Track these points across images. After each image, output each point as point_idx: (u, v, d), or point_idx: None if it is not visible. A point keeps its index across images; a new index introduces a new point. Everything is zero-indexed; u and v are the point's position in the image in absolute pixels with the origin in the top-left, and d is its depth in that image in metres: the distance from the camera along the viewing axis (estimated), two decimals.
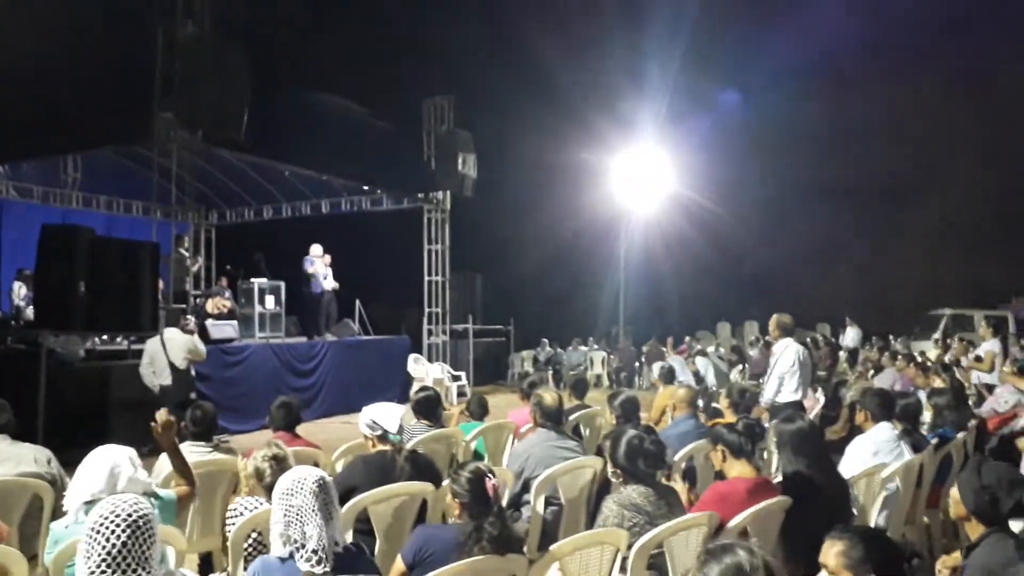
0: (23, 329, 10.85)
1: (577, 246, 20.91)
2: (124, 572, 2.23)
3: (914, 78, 23.00)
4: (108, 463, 3.17)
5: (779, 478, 4.20)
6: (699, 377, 11.80)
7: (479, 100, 16.87)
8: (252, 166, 14.48)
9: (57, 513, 4.13)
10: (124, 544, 2.24)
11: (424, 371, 14.63)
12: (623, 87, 20.70)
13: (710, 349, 16.51)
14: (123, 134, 10.10)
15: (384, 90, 15.61)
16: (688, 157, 20.76)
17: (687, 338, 19.25)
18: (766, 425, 5.29)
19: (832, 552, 2.45)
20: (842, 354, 17.92)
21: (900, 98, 23.06)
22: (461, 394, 14.80)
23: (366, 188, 15.44)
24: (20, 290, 12.29)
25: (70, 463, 4.38)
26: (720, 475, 4.02)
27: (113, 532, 2.24)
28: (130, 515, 2.28)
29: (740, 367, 13.83)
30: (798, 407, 6.64)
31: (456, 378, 15.36)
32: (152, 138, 9.74)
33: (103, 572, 2.21)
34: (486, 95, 17.51)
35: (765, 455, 5.56)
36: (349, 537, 3.76)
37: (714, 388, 9.68)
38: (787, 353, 6.77)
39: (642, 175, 20.37)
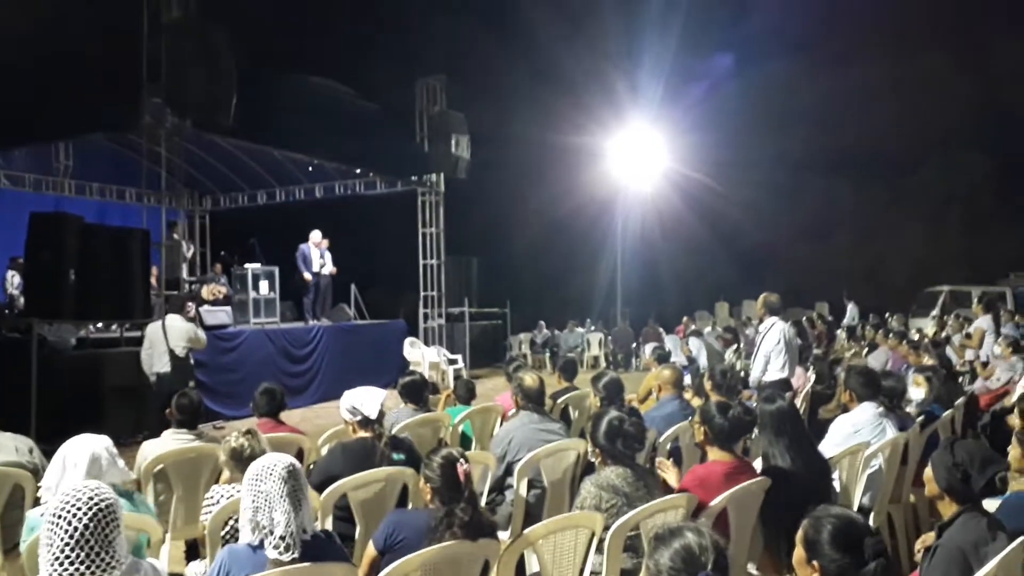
0: (15, 318, 10.85)
1: (573, 227, 20.84)
2: (88, 555, 2.22)
3: (913, 49, 22.83)
4: (88, 452, 3.17)
5: (759, 459, 4.19)
6: (691, 358, 11.76)
7: (472, 80, 16.78)
8: (244, 151, 14.42)
9: (39, 503, 4.15)
10: (86, 527, 2.23)
11: (420, 355, 14.63)
12: (618, 65, 20.59)
13: (707, 330, 16.47)
14: (111, 121, 10.01)
15: (375, 71, 15.55)
16: (684, 135, 20.64)
17: (684, 318, 19.23)
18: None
19: (799, 533, 2.44)
20: (841, 332, 17.90)
21: (898, 70, 22.90)
22: (458, 377, 14.79)
23: (359, 171, 15.36)
24: (13, 279, 12.27)
25: None
26: (703, 450, 4.02)
27: (75, 516, 2.23)
28: (91, 498, 2.27)
29: (735, 347, 13.79)
30: (785, 385, 6.65)
31: (452, 361, 15.37)
32: (140, 125, 9.67)
33: (67, 557, 2.21)
34: (479, 75, 17.43)
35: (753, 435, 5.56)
36: (329, 524, 3.78)
37: (706, 369, 9.66)
38: (772, 332, 6.77)
39: (638, 154, 20.24)
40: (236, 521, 3.45)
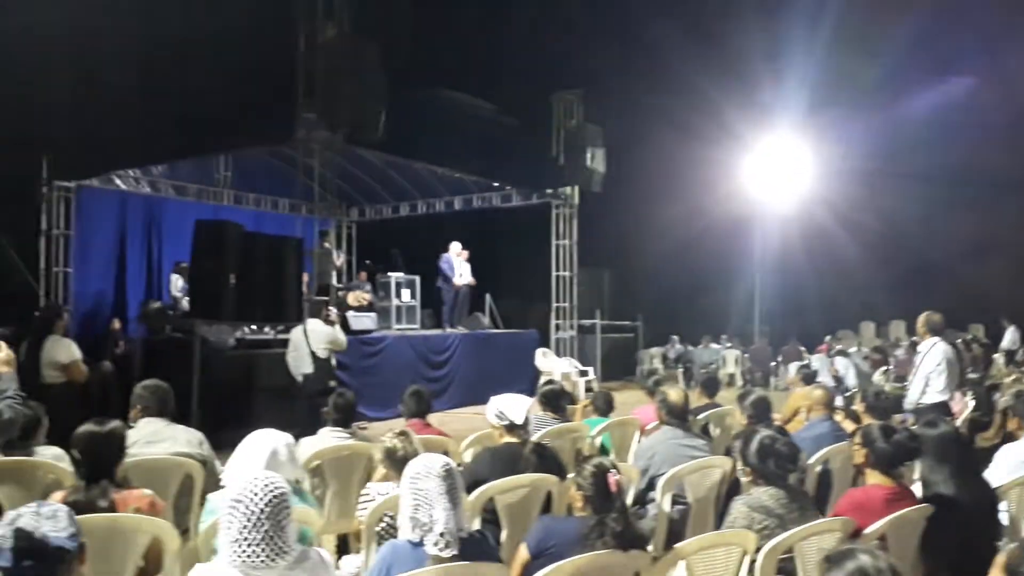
0: (180, 318, 11.65)
1: (708, 241, 20.30)
2: (263, 538, 2.37)
3: None
4: (270, 447, 3.36)
5: (919, 485, 3.98)
6: (838, 378, 11.27)
7: (608, 93, 16.71)
8: (389, 164, 14.96)
9: (207, 491, 4.44)
10: (262, 511, 2.39)
11: (552, 365, 14.71)
12: (761, 76, 19.89)
13: (852, 349, 15.76)
14: (269, 135, 10.64)
15: (513, 85, 15.73)
16: (832, 148, 19.79)
17: (827, 337, 18.48)
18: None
19: (996, 565, 2.27)
20: (998, 356, 16.73)
21: None
22: (589, 389, 14.77)
23: (495, 184, 15.65)
24: (177, 282, 13.16)
25: (219, 444, 4.70)
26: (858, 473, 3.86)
27: (252, 500, 2.40)
28: (266, 486, 2.44)
29: (884, 368, 13.14)
30: (943, 409, 6.30)
31: (584, 373, 15.37)
32: (295, 139, 10.22)
33: (244, 539, 2.37)
34: (616, 88, 17.34)
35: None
36: (477, 525, 3.87)
37: (855, 390, 9.24)
38: (934, 352, 6.43)
39: (780, 167, 19.64)
40: (391, 518, 3.60)
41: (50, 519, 2.13)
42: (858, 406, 5.65)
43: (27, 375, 6.55)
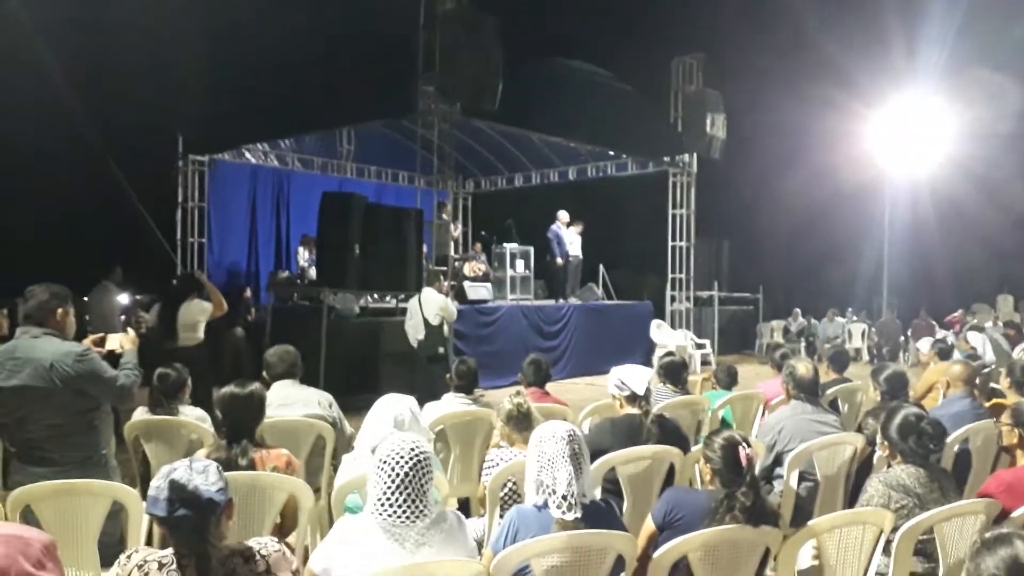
0: (307, 287, 12.13)
1: (833, 211, 19.43)
2: (406, 499, 2.48)
3: None
4: (394, 411, 3.47)
5: None
6: (973, 355, 10.59)
7: (730, 57, 16.15)
8: (503, 135, 15.01)
9: (337, 452, 4.61)
10: (407, 475, 2.49)
11: (666, 338, 14.52)
12: (893, 33, 18.74)
13: (987, 324, 14.83)
14: (390, 108, 10.85)
15: (631, 50, 15.46)
16: (970, 109, 18.50)
17: (959, 311, 17.47)
18: None
19: None
20: None
21: None
22: (705, 362, 14.53)
23: (611, 153, 15.45)
24: (304, 253, 13.67)
25: (345, 408, 4.87)
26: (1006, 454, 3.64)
27: (398, 463, 2.50)
28: (412, 449, 2.54)
29: (1022, 345, 12.28)
30: None
31: (700, 346, 15.11)
32: (416, 111, 10.38)
33: (388, 499, 2.48)
34: (737, 52, 16.72)
35: None
36: (598, 494, 3.87)
37: (993, 366, 8.69)
38: None
39: (912, 132, 18.53)
40: (514, 483, 3.66)
41: (201, 474, 2.26)
42: (1002, 383, 5.30)
43: (163, 338, 6.95)
